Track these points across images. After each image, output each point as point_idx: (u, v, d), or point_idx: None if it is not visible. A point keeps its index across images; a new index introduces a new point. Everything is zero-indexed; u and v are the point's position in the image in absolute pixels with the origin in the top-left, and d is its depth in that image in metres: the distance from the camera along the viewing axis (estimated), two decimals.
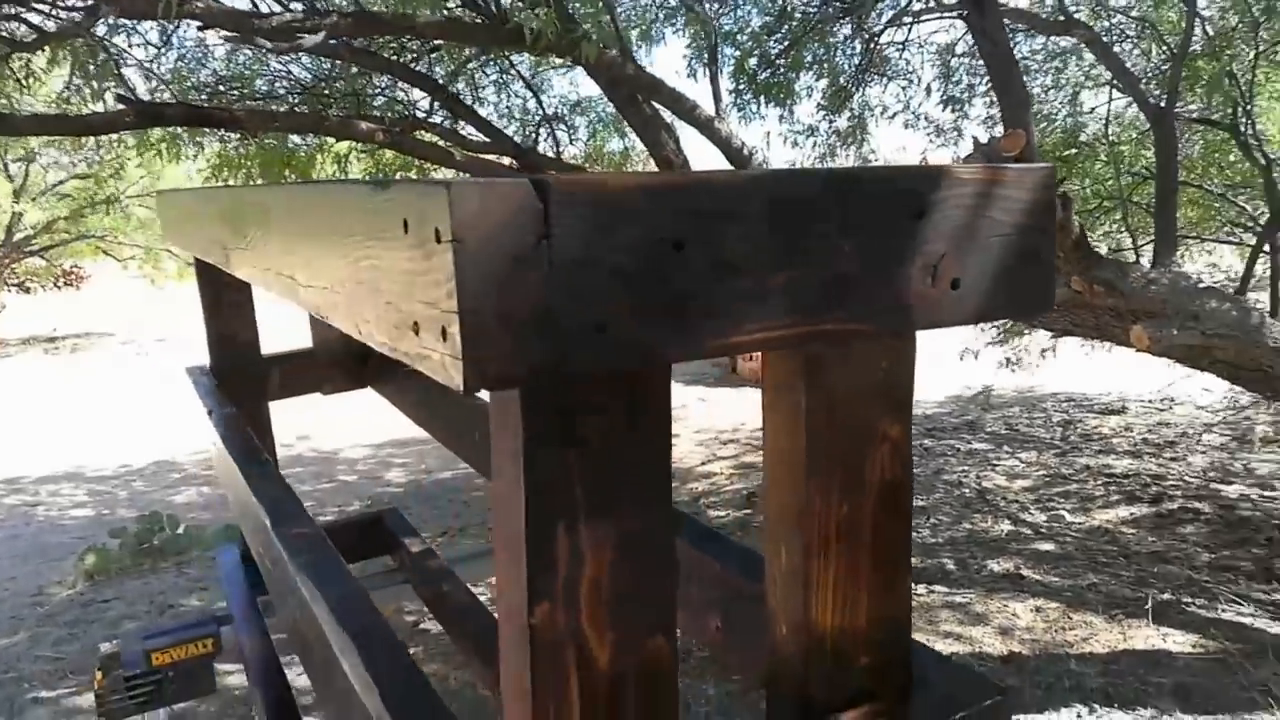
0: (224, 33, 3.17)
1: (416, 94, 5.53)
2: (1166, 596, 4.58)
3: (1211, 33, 4.25)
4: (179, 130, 4.77)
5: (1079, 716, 3.58)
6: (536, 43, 2.96)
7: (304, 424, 8.77)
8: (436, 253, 0.58)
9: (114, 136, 7.52)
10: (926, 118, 6.41)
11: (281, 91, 5.42)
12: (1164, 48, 4.47)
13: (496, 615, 0.72)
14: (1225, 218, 5.67)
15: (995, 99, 6.38)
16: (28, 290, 19.61)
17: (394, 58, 4.48)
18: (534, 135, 5.68)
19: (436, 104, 5.25)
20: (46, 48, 4.15)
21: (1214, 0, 4.57)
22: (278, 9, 3.16)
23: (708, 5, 5.05)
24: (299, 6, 3.75)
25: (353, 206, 0.75)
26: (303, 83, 5.15)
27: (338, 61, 5.05)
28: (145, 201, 15.99)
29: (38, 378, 14.74)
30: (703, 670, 3.91)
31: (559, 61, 5.34)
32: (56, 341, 19.07)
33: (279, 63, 5.11)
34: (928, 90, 6.06)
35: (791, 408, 0.79)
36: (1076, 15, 4.44)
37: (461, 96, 4.95)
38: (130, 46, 4.78)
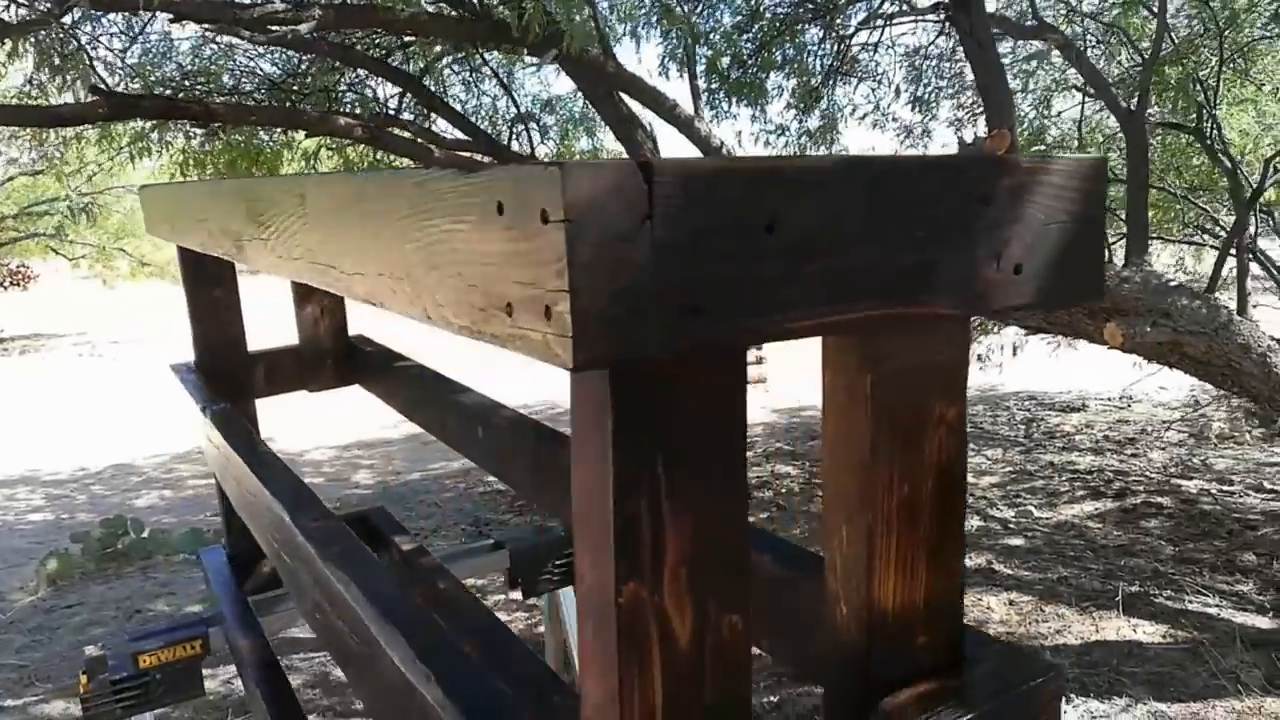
0: (204, 25, 3.12)
1: (386, 91, 5.49)
2: (1135, 588, 4.69)
3: (1178, 40, 4.37)
4: (145, 126, 4.68)
5: None
6: (525, 37, 2.96)
7: (268, 426, 8.65)
8: (542, 233, 0.58)
9: (70, 133, 7.36)
10: (895, 118, 6.50)
11: (248, 87, 5.34)
12: (1133, 53, 4.59)
13: (578, 599, 0.73)
14: (1186, 219, 5.82)
15: (961, 101, 6.50)
16: None
17: (368, 54, 4.44)
18: (507, 133, 5.67)
19: (408, 100, 5.22)
20: (8, 40, 4.05)
21: (1181, 10, 4.70)
22: (259, 0, 3.13)
23: (683, 6, 5.08)
24: None
25: (424, 193, 0.75)
26: (270, 78, 5.08)
27: (306, 57, 5.00)
28: (100, 200, 15.63)
29: None
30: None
31: (531, 61, 5.33)
32: (5, 343, 18.60)
33: (245, 57, 5.04)
34: (896, 91, 6.14)
35: (856, 391, 0.80)
36: (1049, 20, 4.54)
37: (436, 94, 4.91)
38: (96, 38, 4.68)
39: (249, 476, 1.56)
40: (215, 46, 4.87)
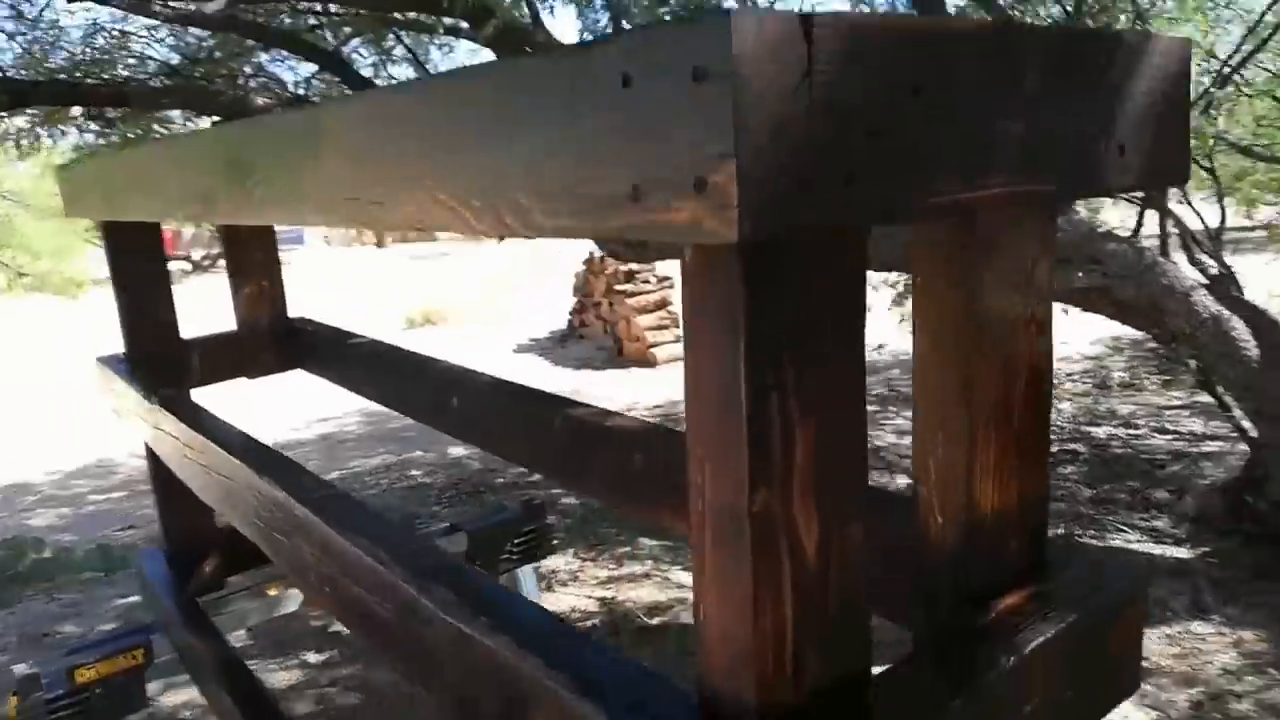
0: (107, 5, 2.90)
1: (293, 75, 5.26)
2: (1061, 530, 4.88)
3: None
4: (36, 120, 4.36)
5: None
6: (454, 5, 2.85)
7: None
8: (696, 94, 0.53)
9: None
10: None
11: (142, 75, 5.04)
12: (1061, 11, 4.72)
13: (694, 508, 0.68)
14: None
15: None
16: None
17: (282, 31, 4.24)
18: None
19: (315, 84, 5.01)
20: None
21: None
22: None
23: None
24: None
25: (502, 87, 0.69)
26: (169, 64, 4.80)
27: (208, 42, 4.75)
28: None
29: None
30: None
31: (444, 39, 5.19)
32: None
33: (141, 43, 4.75)
34: None
35: (956, 287, 0.78)
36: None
37: (357, 72, 4.73)
38: None
39: (225, 459, 1.45)
40: (108, 34, 4.58)
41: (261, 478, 1.31)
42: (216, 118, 4.46)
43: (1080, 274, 3.17)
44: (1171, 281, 3.24)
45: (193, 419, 1.66)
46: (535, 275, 14.47)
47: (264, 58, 4.77)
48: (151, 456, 2.24)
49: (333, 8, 3.80)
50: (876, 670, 0.75)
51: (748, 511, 0.64)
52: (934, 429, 0.82)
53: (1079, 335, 8.31)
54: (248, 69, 4.80)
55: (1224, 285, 3.84)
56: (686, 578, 4.20)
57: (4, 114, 4.18)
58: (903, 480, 6.05)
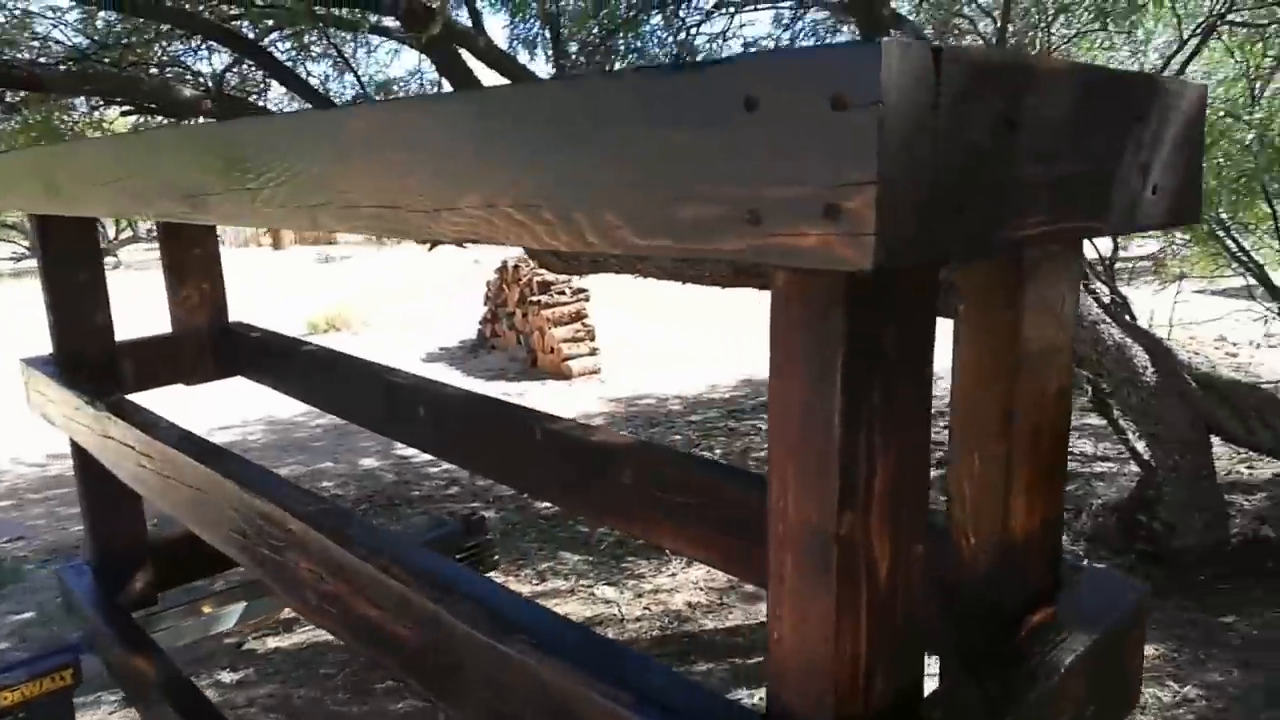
0: None
1: (208, 66, 5.06)
2: None
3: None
4: None
5: None
6: (394, 2, 2.79)
7: None
8: (836, 121, 0.54)
9: None
10: None
11: (44, 61, 4.77)
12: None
13: (775, 528, 0.68)
14: None
15: None
16: None
17: (206, 19, 4.08)
18: None
19: (233, 73, 4.85)
20: None
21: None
22: None
23: None
24: None
25: (594, 100, 0.69)
26: (78, 49, 4.55)
27: (120, 27, 4.53)
28: None
29: None
30: None
31: (376, 40, 5.09)
32: None
33: (47, 26, 4.50)
34: None
35: (1001, 318, 0.80)
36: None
37: (283, 63, 4.58)
38: None
39: (193, 469, 1.37)
40: (8, 12, 4.31)
41: (244, 490, 1.26)
42: (129, 106, 4.26)
43: None
44: (1081, 310, 3.41)
45: (148, 425, 1.57)
46: (445, 281, 14.24)
47: (180, 47, 4.58)
48: (82, 465, 2.11)
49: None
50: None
51: (835, 535, 0.65)
52: (970, 452, 0.85)
53: None
54: (164, 57, 4.59)
55: (1119, 313, 4.06)
56: (612, 593, 4.19)
57: None
58: None
